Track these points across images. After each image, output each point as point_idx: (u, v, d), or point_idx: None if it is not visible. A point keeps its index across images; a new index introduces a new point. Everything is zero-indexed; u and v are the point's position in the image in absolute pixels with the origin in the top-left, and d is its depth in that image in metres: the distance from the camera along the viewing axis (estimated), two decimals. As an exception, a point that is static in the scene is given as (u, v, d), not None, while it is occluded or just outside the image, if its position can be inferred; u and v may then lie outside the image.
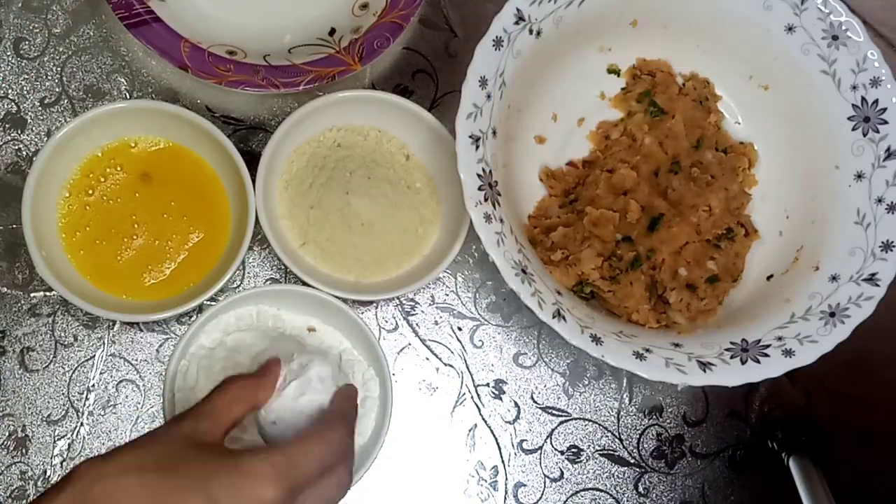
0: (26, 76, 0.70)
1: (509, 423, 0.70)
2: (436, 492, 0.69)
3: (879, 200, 0.65)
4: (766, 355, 0.61)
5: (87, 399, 0.67)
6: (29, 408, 0.67)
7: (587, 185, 0.70)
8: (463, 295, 0.72)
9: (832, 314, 0.62)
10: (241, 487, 0.44)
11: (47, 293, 0.68)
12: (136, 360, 0.68)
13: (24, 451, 0.66)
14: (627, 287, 0.66)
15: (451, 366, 0.71)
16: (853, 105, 0.66)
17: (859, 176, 0.66)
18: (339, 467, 0.49)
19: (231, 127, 0.71)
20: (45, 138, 0.64)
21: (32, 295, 0.68)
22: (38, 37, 0.71)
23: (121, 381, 0.67)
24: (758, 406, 0.73)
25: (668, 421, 0.72)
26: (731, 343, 0.62)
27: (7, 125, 0.70)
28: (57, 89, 0.70)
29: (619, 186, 0.69)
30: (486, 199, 0.60)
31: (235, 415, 0.50)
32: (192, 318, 0.68)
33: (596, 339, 0.59)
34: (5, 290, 0.68)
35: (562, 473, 0.70)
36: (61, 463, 0.66)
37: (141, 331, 0.68)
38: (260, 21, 0.72)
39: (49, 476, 0.66)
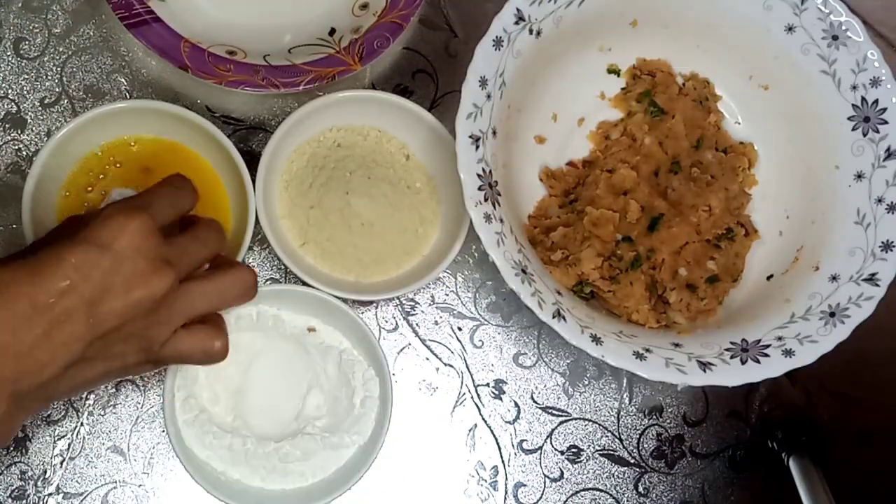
0: (26, 76, 0.70)
1: (509, 423, 0.70)
2: (436, 492, 0.69)
3: (879, 200, 0.65)
4: (766, 355, 0.61)
5: (86, 399, 0.67)
6: (29, 408, 0.67)
7: (587, 185, 0.70)
8: (463, 295, 0.72)
9: (832, 314, 0.62)
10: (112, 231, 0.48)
11: (47, 293, 0.68)
12: (136, 360, 0.68)
13: (24, 451, 0.66)
14: (627, 287, 0.66)
15: (451, 366, 0.71)
16: (853, 105, 0.66)
17: (859, 176, 0.66)
18: (239, 265, 0.56)
19: (231, 127, 0.71)
20: (45, 138, 0.64)
21: (32, 295, 0.68)
22: (38, 37, 0.71)
23: (121, 381, 0.67)
24: (758, 406, 0.73)
25: (668, 421, 0.72)
26: (731, 343, 0.62)
27: (7, 125, 0.69)
28: (57, 89, 0.70)
29: (619, 186, 0.69)
30: (486, 199, 0.60)
31: None
32: (192, 318, 0.68)
33: (596, 339, 0.59)
34: (5, 290, 0.67)
35: (562, 473, 0.70)
36: (61, 463, 0.66)
37: (141, 331, 0.68)
38: (260, 21, 0.72)
39: (49, 476, 0.66)
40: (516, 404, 0.71)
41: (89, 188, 0.66)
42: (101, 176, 0.66)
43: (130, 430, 0.67)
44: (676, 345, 0.62)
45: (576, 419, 0.71)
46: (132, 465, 0.66)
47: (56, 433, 0.66)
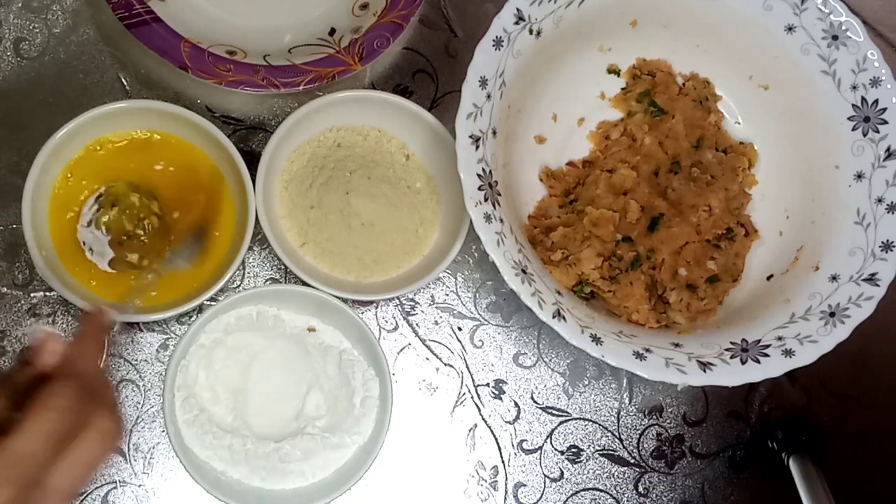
0: (26, 76, 0.70)
1: (509, 423, 0.70)
2: (436, 492, 0.69)
3: (879, 200, 0.65)
4: (766, 355, 0.61)
5: (87, 399, 0.67)
6: (29, 408, 0.67)
7: (587, 185, 0.70)
8: (463, 295, 0.72)
9: (832, 314, 0.62)
10: None
11: (47, 293, 0.68)
12: (136, 360, 0.68)
13: (24, 451, 0.66)
14: (627, 287, 0.66)
15: (451, 366, 0.71)
16: (853, 105, 0.66)
17: (859, 176, 0.66)
18: (94, 417, 0.43)
19: (231, 127, 0.71)
20: (46, 138, 0.64)
21: (32, 295, 0.68)
22: (38, 37, 0.71)
23: (121, 381, 0.67)
24: (758, 406, 0.73)
25: (668, 421, 0.72)
26: (731, 343, 0.62)
27: (7, 125, 0.69)
28: (57, 89, 0.70)
29: (619, 186, 0.69)
30: (486, 199, 0.60)
31: None
32: (192, 318, 0.68)
33: (596, 339, 0.59)
34: (5, 290, 0.68)
35: (562, 473, 0.70)
36: (61, 463, 0.66)
37: (141, 331, 0.68)
38: (260, 21, 0.72)
39: (49, 476, 0.66)
40: (516, 404, 0.71)
41: (85, 184, 0.66)
42: (101, 178, 0.66)
43: (130, 430, 0.67)
44: (676, 345, 0.62)
45: (576, 419, 0.71)
46: (132, 465, 0.66)
47: (56, 433, 0.66)
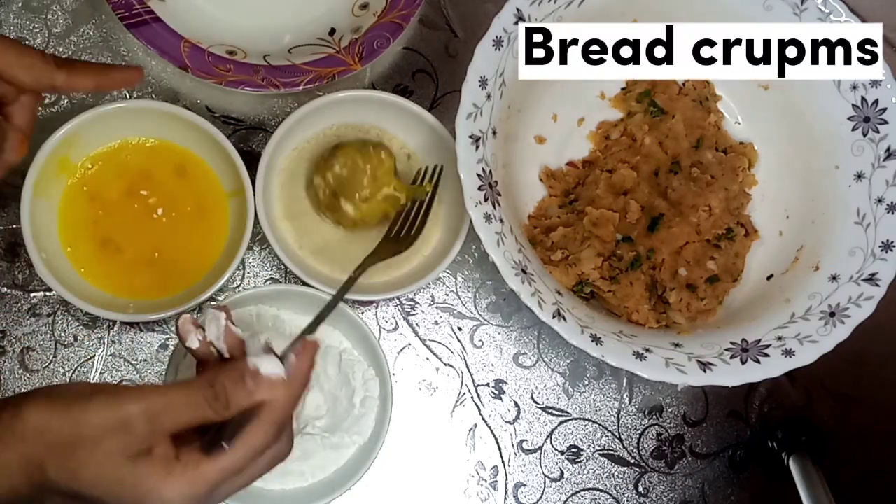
0: (26, 76, 0.70)
1: (509, 423, 0.70)
2: (436, 492, 0.69)
3: (879, 200, 0.65)
4: (766, 355, 0.61)
5: (87, 399, 0.67)
6: (29, 408, 0.67)
7: (587, 185, 0.70)
8: (463, 295, 0.72)
9: (832, 314, 0.62)
10: None
11: (47, 293, 0.68)
12: (136, 360, 0.68)
13: (24, 451, 0.66)
14: (627, 287, 0.66)
15: (451, 366, 0.71)
16: (853, 105, 0.66)
17: (859, 176, 0.66)
18: (276, 443, 0.46)
19: (231, 127, 0.71)
20: (45, 138, 0.64)
21: (32, 295, 0.68)
22: (38, 37, 0.71)
23: (121, 382, 0.67)
24: (758, 406, 0.73)
25: (668, 421, 0.72)
26: (731, 343, 0.62)
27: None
28: (57, 89, 0.70)
29: (619, 186, 0.69)
30: (486, 199, 0.60)
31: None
32: (192, 318, 0.68)
33: (596, 339, 0.59)
34: (5, 290, 0.68)
35: (562, 473, 0.70)
36: (61, 463, 0.66)
37: (141, 331, 0.68)
38: (260, 21, 0.72)
39: (49, 476, 0.66)
40: (516, 404, 0.71)
41: (85, 188, 0.66)
42: (101, 178, 0.66)
43: (130, 430, 0.67)
44: (676, 345, 0.62)
45: (576, 419, 0.71)
46: (132, 465, 0.66)
47: (56, 433, 0.66)
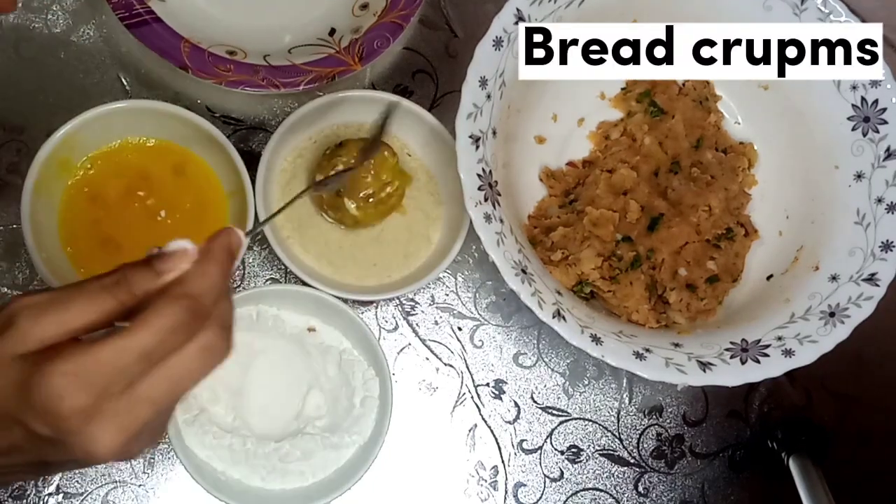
0: (26, 76, 0.70)
1: (509, 423, 0.70)
2: (436, 492, 0.69)
3: (879, 200, 0.65)
4: (766, 355, 0.61)
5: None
6: (29, 408, 0.67)
7: (587, 185, 0.70)
8: (463, 295, 0.72)
9: (832, 314, 0.62)
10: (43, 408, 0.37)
11: (47, 293, 0.68)
12: (136, 360, 0.68)
13: (24, 451, 0.66)
14: (627, 287, 0.66)
15: (451, 366, 0.71)
16: (853, 105, 0.66)
17: (859, 176, 0.66)
18: (200, 332, 0.40)
19: (231, 127, 0.71)
20: (45, 138, 0.64)
21: (32, 295, 0.68)
22: (38, 37, 0.71)
23: (121, 381, 0.67)
24: (758, 406, 0.73)
25: (668, 421, 0.72)
26: (731, 343, 0.62)
27: (7, 125, 0.69)
28: (57, 89, 0.70)
29: (619, 186, 0.69)
30: (486, 199, 0.60)
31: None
32: (192, 318, 0.68)
33: (596, 339, 0.59)
34: (5, 290, 0.68)
35: (562, 473, 0.70)
36: (61, 463, 0.66)
37: (141, 331, 0.68)
38: (260, 21, 0.72)
39: (49, 477, 0.66)
40: (516, 404, 0.71)
41: (86, 188, 0.66)
42: (101, 178, 0.66)
43: (130, 430, 0.67)
44: (676, 345, 0.62)
45: (576, 419, 0.71)
46: (132, 465, 0.66)
47: (56, 433, 0.66)
